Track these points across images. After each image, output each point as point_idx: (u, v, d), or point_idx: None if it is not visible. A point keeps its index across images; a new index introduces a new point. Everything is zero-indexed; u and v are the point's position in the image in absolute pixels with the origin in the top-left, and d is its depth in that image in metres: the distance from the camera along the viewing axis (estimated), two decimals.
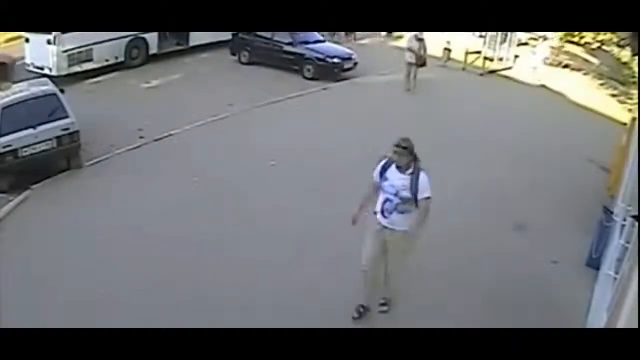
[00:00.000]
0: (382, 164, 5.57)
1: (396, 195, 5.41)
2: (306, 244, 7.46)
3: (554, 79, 16.88)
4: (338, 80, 15.62)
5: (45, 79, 11.48)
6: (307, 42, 16.15)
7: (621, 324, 3.70)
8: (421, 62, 14.13)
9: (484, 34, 17.70)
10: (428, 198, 5.39)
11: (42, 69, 14.50)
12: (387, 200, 5.49)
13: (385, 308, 6.09)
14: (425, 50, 14.16)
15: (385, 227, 5.56)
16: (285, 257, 7.16)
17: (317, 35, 16.74)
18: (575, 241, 7.76)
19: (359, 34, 20.38)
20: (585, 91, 16.49)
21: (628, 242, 5.31)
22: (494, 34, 17.59)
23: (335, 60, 15.90)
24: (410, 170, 5.40)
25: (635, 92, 15.31)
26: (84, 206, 8.78)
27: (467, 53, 17.25)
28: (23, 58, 15.01)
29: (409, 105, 13.63)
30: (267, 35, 16.40)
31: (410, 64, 14.16)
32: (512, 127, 12.38)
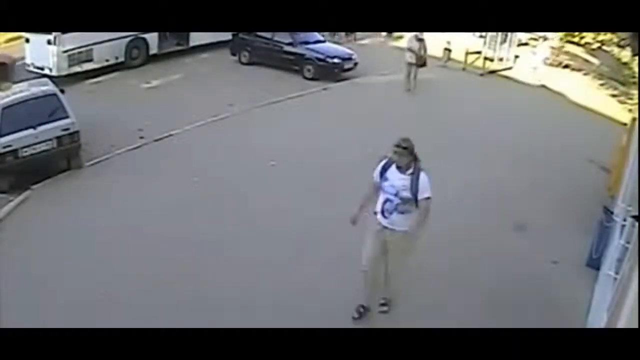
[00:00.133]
0: (382, 164, 5.57)
1: (396, 195, 5.40)
2: (306, 244, 7.46)
3: (554, 79, 16.88)
4: (338, 80, 15.62)
5: (45, 79, 11.48)
6: (307, 42, 16.15)
7: (621, 324, 3.70)
8: (421, 62, 14.11)
9: (484, 34, 17.69)
10: (428, 198, 5.38)
11: (42, 69, 14.50)
12: (387, 200, 5.48)
13: (385, 308, 6.09)
14: (425, 51, 14.14)
15: (385, 227, 5.55)
16: (285, 257, 7.16)
17: (317, 35, 16.74)
18: (575, 241, 7.76)
19: (359, 34, 20.38)
20: (585, 91, 16.49)
21: (628, 242, 5.31)
22: (494, 34, 17.58)
23: (335, 60, 15.90)
24: (411, 170, 5.40)
25: (635, 92, 15.31)
26: (84, 206, 8.78)
27: (467, 53, 17.24)
28: (23, 58, 15.01)
29: (409, 105, 13.63)
30: (267, 35, 16.39)
31: (410, 64, 14.15)
32: (512, 127, 12.38)
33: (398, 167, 5.44)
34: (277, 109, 13.27)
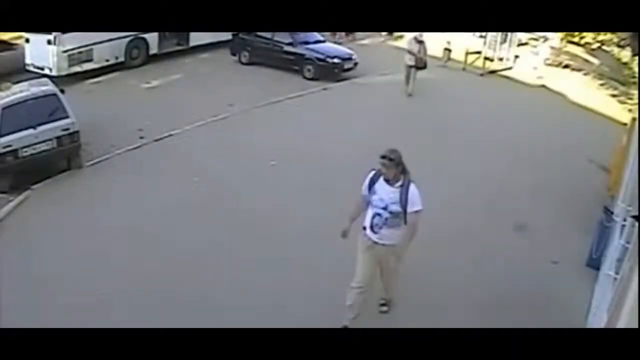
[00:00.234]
0: (369, 176, 5.40)
1: (385, 209, 5.23)
2: (306, 244, 7.46)
3: (554, 79, 16.89)
4: (338, 80, 15.62)
5: (45, 79, 11.47)
6: (307, 42, 16.15)
7: (621, 324, 3.70)
8: (421, 65, 13.95)
9: (484, 34, 17.68)
10: (417, 211, 5.22)
11: (42, 69, 14.50)
12: (376, 215, 5.30)
13: (385, 308, 6.09)
14: (425, 53, 14.01)
15: (376, 243, 5.38)
16: (285, 257, 7.16)
17: (317, 35, 16.74)
18: (575, 241, 7.76)
19: (359, 34, 20.38)
20: (585, 91, 16.50)
21: (628, 242, 5.31)
22: (494, 34, 17.57)
23: (335, 60, 15.90)
24: (400, 183, 5.23)
25: (635, 92, 15.31)
26: (84, 206, 8.77)
27: (467, 53, 17.25)
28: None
29: (409, 105, 13.63)
30: (267, 35, 16.40)
31: (409, 67, 14.01)
32: (512, 127, 12.38)
33: (386, 180, 5.27)
34: (277, 109, 13.27)
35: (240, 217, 8.20)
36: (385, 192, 5.25)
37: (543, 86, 16.37)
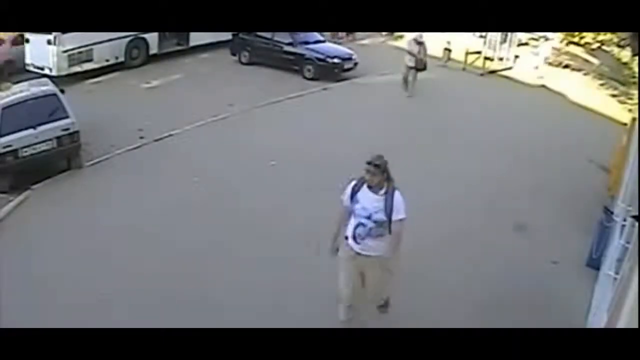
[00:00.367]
0: (351, 185, 5.20)
1: (369, 218, 5.02)
2: (306, 244, 7.45)
3: (554, 79, 16.89)
4: (338, 80, 15.63)
5: (45, 79, 11.49)
6: (307, 42, 16.16)
7: (621, 324, 3.70)
8: (421, 66, 13.87)
9: (484, 34, 17.68)
10: (402, 220, 5.03)
11: (42, 69, 14.52)
12: (359, 225, 5.08)
13: (383, 309, 6.07)
14: (425, 54, 13.94)
15: (359, 254, 5.16)
16: (285, 257, 7.16)
17: (317, 35, 16.75)
18: (575, 241, 7.76)
19: (359, 34, 20.37)
20: (585, 91, 16.49)
21: (628, 242, 5.31)
22: (494, 34, 17.57)
23: (335, 60, 15.91)
24: (384, 190, 5.03)
25: (635, 92, 15.31)
26: (84, 206, 8.78)
27: (467, 53, 17.25)
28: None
29: (409, 105, 13.63)
30: (267, 35, 16.41)
31: (409, 68, 13.92)
32: (512, 127, 12.37)
33: (370, 187, 5.06)
34: (277, 109, 13.27)
35: (240, 217, 8.20)
36: (369, 201, 5.04)
37: (543, 86, 16.37)
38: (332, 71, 15.80)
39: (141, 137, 11.31)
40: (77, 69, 14.96)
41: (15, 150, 9.27)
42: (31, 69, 14.73)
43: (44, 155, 9.54)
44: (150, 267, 6.97)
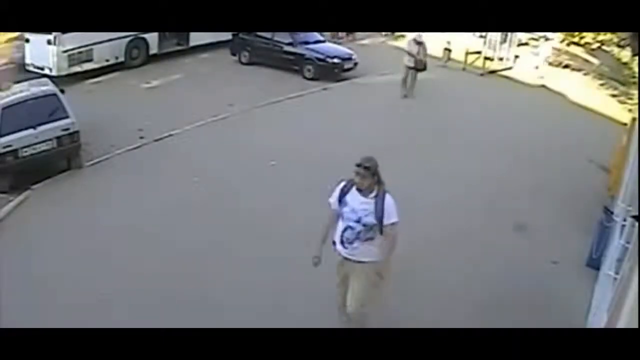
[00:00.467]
0: (339, 187, 5.06)
1: (358, 221, 4.88)
2: (306, 244, 7.44)
3: (554, 79, 16.89)
4: (338, 80, 15.63)
5: (45, 79, 11.48)
6: (307, 42, 16.16)
7: (621, 324, 3.70)
8: (421, 66, 13.84)
9: (484, 34, 17.68)
10: (394, 223, 4.87)
11: (42, 69, 14.50)
12: (347, 228, 4.94)
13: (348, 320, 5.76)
14: (425, 54, 13.90)
15: (347, 259, 5.05)
16: (285, 257, 7.16)
17: (317, 35, 16.75)
18: (575, 241, 7.76)
19: (359, 34, 20.37)
20: (585, 91, 16.50)
21: (628, 242, 5.31)
22: (494, 34, 17.57)
23: (335, 60, 15.91)
24: (374, 193, 4.88)
25: (635, 92, 15.31)
26: (84, 206, 8.78)
27: (467, 53, 17.25)
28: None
29: (409, 105, 13.63)
30: (267, 35, 16.40)
31: (409, 68, 13.88)
32: (512, 127, 12.37)
33: (359, 190, 4.91)
34: (277, 109, 13.27)
35: (240, 217, 8.20)
36: (358, 204, 4.90)
37: (543, 86, 16.37)
38: (332, 71, 15.80)
39: (141, 137, 11.31)
40: (77, 69, 14.94)
41: (15, 150, 9.27)
42: (31, 69, 14.71)
43: (44, 155, 9.54)
44: (150, 267, 6.97)
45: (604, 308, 5.11)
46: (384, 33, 20.75)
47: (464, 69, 17.14)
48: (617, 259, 5.69)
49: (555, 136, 11.95)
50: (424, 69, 13.96)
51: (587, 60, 19.67)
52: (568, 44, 20.12)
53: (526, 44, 19.40)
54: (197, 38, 17.30)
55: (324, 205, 6.00)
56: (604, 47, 20.57)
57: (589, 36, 20.10)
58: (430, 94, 14.33)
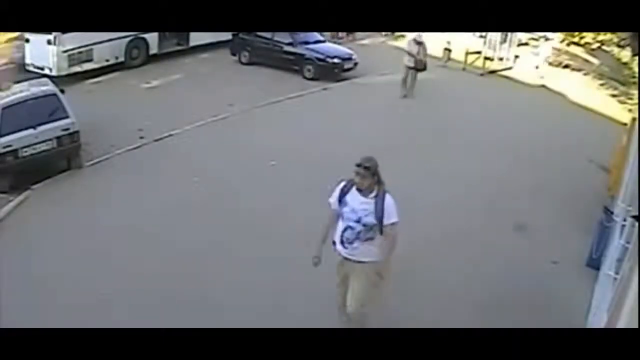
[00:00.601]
0: (340, 187, 5.06)
1: (358, 221, 4.88)
2: (306, 244, 7.44)
3: (554, 79, 16.89)
4: (338, 80, 15.63)
5: (45, 79, 11.48)
6: (307, 42, 16.15)
7: (621, 324, 3.70)
8: (421, 67, 13.80)
9: (484, 34, 17.68)
10: (394, 223, 4.86)
11: (42, 69, 14.50)
12: (347, 228, 4.95)
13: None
14: (425, 54, 13.86)
15: (347, 259, 5.05)
16: (285, 257, 7.16)
17: (317, 35, 16.75)
18: (575, 241, 7.76)
19: (359, 34, 20.38)
20: (585, 91, 16.50)
21: (628, 242, 5.31)
22: (494, 34, 17.57)
23: (335, 60, 15.91)
24: (374, 193, 4.88)
25: (635, 92, 15.31)
26: (84, 206, 8.78)
27: (467, 53, 17.25)
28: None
29: (409, 105, 13.62)
30: (267, 35, 16.40)
31: (409, 68, 13.85)
32: (512, 127, 12.38)
33: (359, 190, 4.91)
34: (277, 109, 13.27)
35: (240, 217, 8.20)
36: (358, 204, 4.90)
37: (543, 86, 16.37)
38: (332, 71, 15.80)
39: (141, 137, 11.31)
40: (77, 69, 14.94)
41: (15, 150, 9.27)
42: (31, 69, 14.71)
43: (44, 155, 9.54)
44: (150, 267, 6.97)
45: (604, 308, 5.11)
46: (384, 33, 20.75)
47: (464, 69, 17.14)
48: (617, 259, 5.69)
49: (555, 136, 11.95)
50: (424, 69, 13.93)
51: (587, 60, 19.67)
52: (568, 44, 20.14)
53: (526, 44, 19.41)
54: (197, 38, 17.30)
55: (324, 205, 6.01)
56: (604, 47, 20.57)
57: (589, 36, 20.10)
58: (430, 94, 14.33)
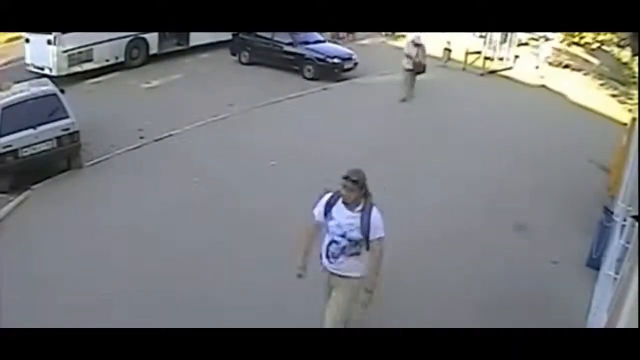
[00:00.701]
0: (325, 198, 4.91)
1: (343, 236, 4.73)
2: None
3: (554, 79, 16.89)
4: (338, 80, 15.62)
5: (45, 79, 11.48)
6: (307, 42, 16.15)
7: (621, 324, 3.70)
8: (420, 69, 13.63)
9: (484, 34, 17.68)
10: (380, 238, 4.71)
11: (42, 69, 14.51)
12: (332, 242, 4.81)
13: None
14: (424, 56, 13.68)
15: (332, 273, 4.92)
16: (285, 257, 7.14)
17: (317, 35, 16.74)
18: (575, 241, 7.76)
19: (359, 34, 20.38)
20: (585, 91, 16.50)
21: (628, 242, 5.31)
22: (494, 34, 17.57)
23: (335, 60, 15.90)
24: (360, 207, 4.71)
25: (635, 92, 15.32)
26: (84, 206, 8.78)
27: (467, 53, 17.25)
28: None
29: (409, 105, 13.62)
30: (267, 35, 16.41)
31: (407, 70, 13.65)
32: (512, 127, 12.37)
33: (345, 203, 4.75)
34: (277, 109, 13.27)
35: (240, 217, 8.20)
36: (344, 218, 4.73)
37: (543, 86, 16.37)
38: (332, 71, 15.79)
39: (141, 137, 11.31)
40: (77, 69, 14.95)
41: (15, 150, 9.27)
42: (31, 69, 14.71)
43: (44, 155, 9.54)
44: (150, 267, 6.97)
45: (604, 308, 5.11)
46: (384, 33, 20.75)
47: (464, 69, 17.14)
48: (617, 259, 5.69)
49: (555, 136, 11.94)
50: (422, 71, 13.73)
51: (587, 60, 19.68)
52: (568, 44, 20.15)
53: (526, 44, 19.41)
54: (197, 38, 17.30)
55: None
56: (604, 47, 20.58)
57: (589, 36, 20.12)
58: (430, 94, 14.32)
